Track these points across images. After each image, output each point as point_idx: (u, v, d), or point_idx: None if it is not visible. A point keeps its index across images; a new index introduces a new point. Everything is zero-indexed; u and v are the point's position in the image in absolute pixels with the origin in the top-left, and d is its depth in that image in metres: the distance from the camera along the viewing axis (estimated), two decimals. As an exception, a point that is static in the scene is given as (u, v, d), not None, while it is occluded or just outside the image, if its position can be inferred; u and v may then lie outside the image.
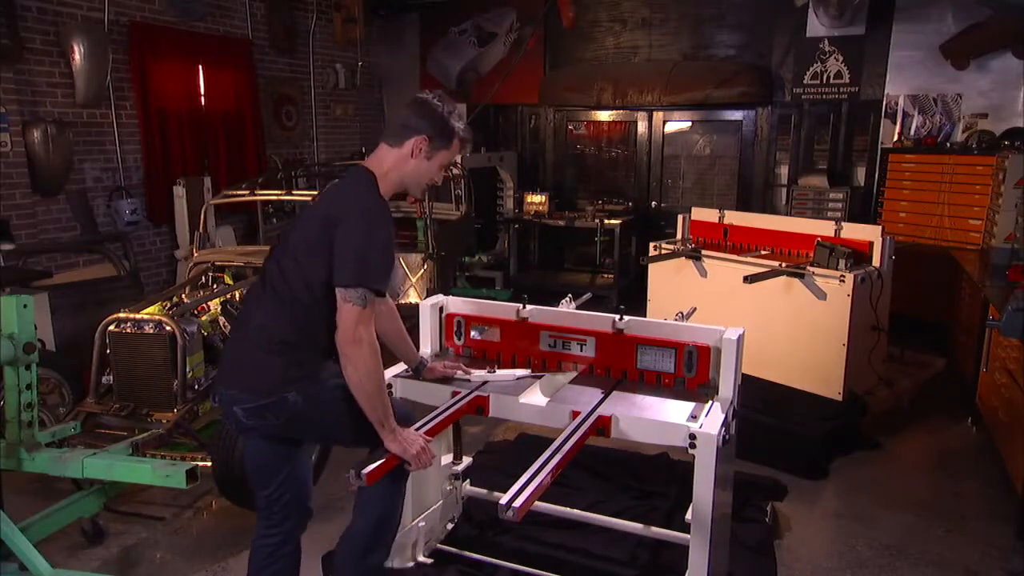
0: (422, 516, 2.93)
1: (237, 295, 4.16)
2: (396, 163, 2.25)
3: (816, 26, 6.81)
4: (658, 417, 2.34)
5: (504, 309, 2.86)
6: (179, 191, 6.18)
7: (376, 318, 2.53)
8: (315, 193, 3.73)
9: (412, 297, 5.35)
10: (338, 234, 2.10)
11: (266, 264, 2.32)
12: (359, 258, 2.09)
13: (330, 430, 2.36)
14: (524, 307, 2.82)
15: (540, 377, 2.66)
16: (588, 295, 3.36)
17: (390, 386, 2.61)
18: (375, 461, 2.13)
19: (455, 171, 6.42)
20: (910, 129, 6.58)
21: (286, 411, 2.17)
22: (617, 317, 2.66)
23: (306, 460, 2.44)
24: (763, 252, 4.81)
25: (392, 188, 2.28)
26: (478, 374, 2.63)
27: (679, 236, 5.31)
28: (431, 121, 2.24)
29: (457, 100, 8.77)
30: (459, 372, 2.68)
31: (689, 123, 7.77)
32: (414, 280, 5.40)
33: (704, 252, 4.90)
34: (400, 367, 2.72)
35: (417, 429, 2.33)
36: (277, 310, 2.19)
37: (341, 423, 2.22)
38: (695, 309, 3.07)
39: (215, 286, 4.42)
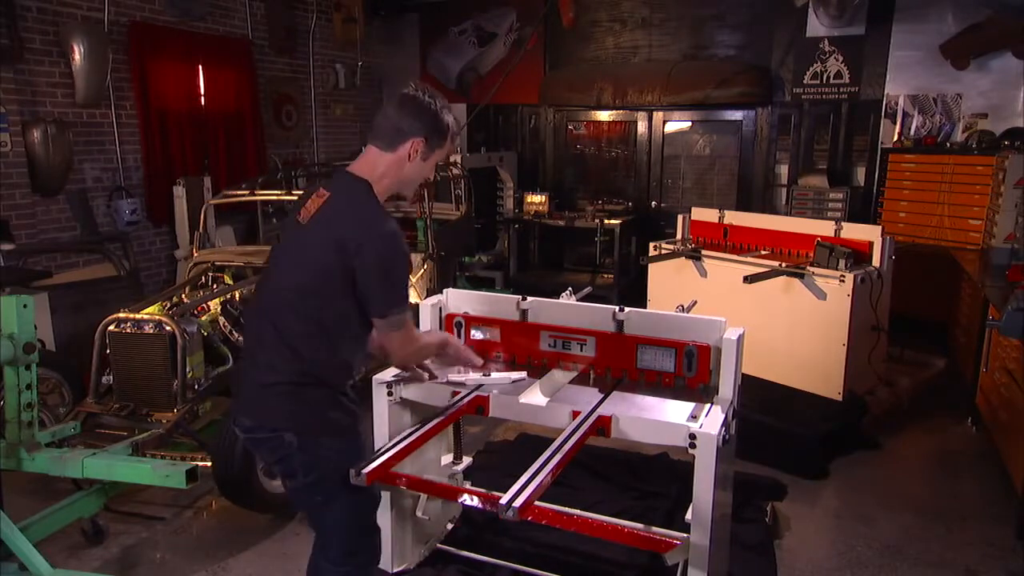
0: (422, 516, 2.93)
1: (237, 295, 4.16)
2: (391, 168, 2.15)
3: (816, 26, 6.81)
4: (658, 417, 2.34)
5: (505, 302, 2.87)
6: (179, 191, 6.18)
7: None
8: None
9: (412, 297, 5.34)
10: (359, 264, 2.02)
11: (264, 289, 2.22)
12: (393, 287, 2.10)
13: (303, 490, 2.19)
14: (524, 299, 2.83)
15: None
16: (589, 288, 3.38)
17: (390, 391, 2.61)
18: (375, 461, 2.13)
19: (455, 171, 6.41)
20: (910, 129, 6.58)
21: (280, 450, 2.11)
22: (617, 308, 2.66)
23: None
24: (763, 252, 4.81)
25: (387, 193, 2.19)
26: (473, 377, 2.62)
27: (679, 236, 5.31)
28: (425, 121, 2.14)
29: (457, 100, 8.76)
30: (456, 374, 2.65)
31: (689, 123, 7.77)
32: (414, 280, 5.40)
33: (704, 252, 4.90)
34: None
35: (416, 429, 2.34)
36: (284, 348, 2.08)
37: (317, 489, 2.15)
38: (696, 302, 3.07)
39: (215, 286, 4.42)
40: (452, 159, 6.77)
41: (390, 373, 2.66)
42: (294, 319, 2.08)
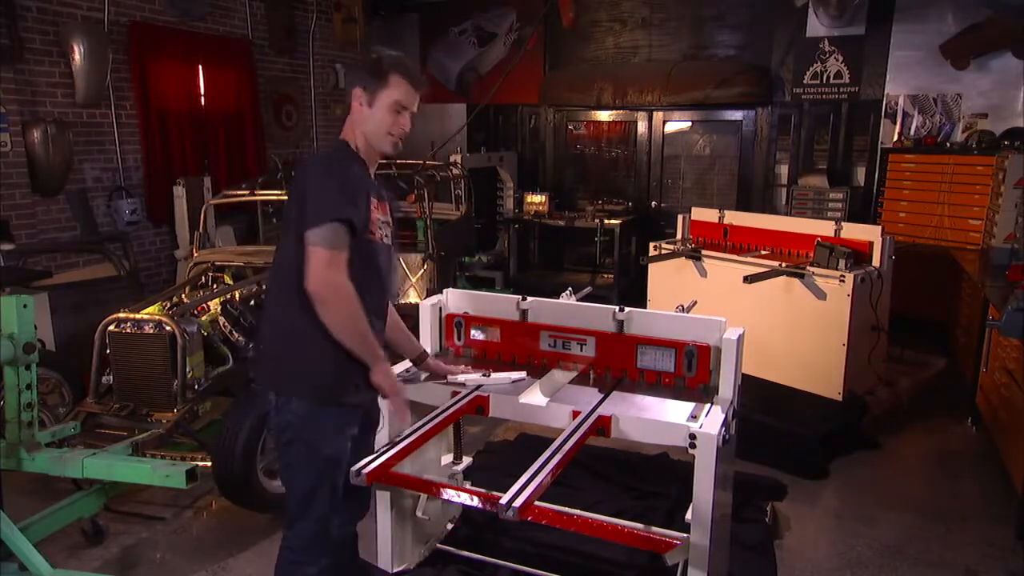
0: (422, 516, 2.93)
1: (237, 295, 4.15)
2: (353, 124, 2.23)
3: (816, 26, 6.81)
4: (658, 417, 2.34)
5: (504, 302, 2.87)
6: (179, 191, 6.18)
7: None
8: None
9: (412, 297, 5.34)
10: (302, 188, 2.09)
11: (274, 259, 2.34)
12: (318, 197, 2.03)
13: (280, 450, 2.27)
14: (524, 299, 2.83)
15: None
16: (589, 288, 3.37)
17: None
18: (375, 461, 2.13)
19: (455, 171, 6.41)
20: (910, 129, 6.58)
21: (264, 405, 2.23)
22: (617, 308, 2.66)
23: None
24: (763, 252, 4.81)
25: (365, 149, 2.24)
26: (473, 377, 2.62)
27: (679, 236, 5.32)
28: (360, 70, 2.25)
29: (457, 100, 8.72)
30: (458, 375, 2.62)
31: (689, 123, 7.77)
32: (414, 280, 5.40)
33: (704, 252, 4.90)
34: (400, 367, 2.71)
35: (416, 429, 2.34)
36: (282, 303, 2.19)
37: (285, 453, 2.22)
38: (695, 302, 3.07)
39: (215, 286, 4.42)
40: (452, 159, 6.77)
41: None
42: (292, 273, 2.10)
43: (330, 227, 2.01)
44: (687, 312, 2.73)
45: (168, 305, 3.94)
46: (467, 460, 3.16)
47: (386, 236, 2.27)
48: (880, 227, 4.48)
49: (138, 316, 3.74)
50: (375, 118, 2.20)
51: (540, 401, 2.47)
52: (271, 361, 2.22)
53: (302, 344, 2.14)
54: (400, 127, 2.22)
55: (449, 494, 2.25)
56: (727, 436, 2.30)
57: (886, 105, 6.67)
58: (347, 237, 2.04)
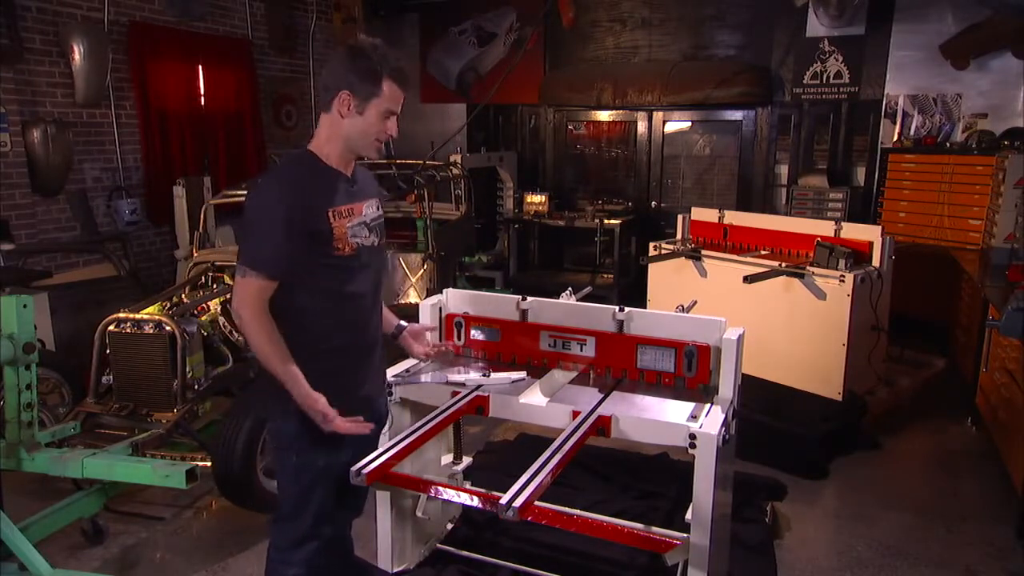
0: (422, 516, 2.93)
1: (237, 295, 4.15)
2: (331, 129, 2.09)
3: (816, 26, 6.81)
4: (658, 417, 2.34)
5: (504, 302, 2.87)
6: (179, 191, 6.17)
7: None
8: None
9: (412, 297, 5.34)
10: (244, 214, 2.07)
11: None
12: (246, 236, 2.05)
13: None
14: (524, 299, 2.83)
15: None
16: (589, 288, 3.37)
17: (390, 391, 2.60)
18: (375, 461, 2.13)
19: (455, 171, 6.40)
20: (910, 129, 6.58)
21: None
22: (617, 308, 2.66)
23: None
24: (763, 252, 4.81)
25: (340, 155, 2.12)
26: (473, 376, 2.62)
27: (679, 236, 5.31)
28: (346, 71, 2.03)
29: (457, 100, 8.69)
30: (441, 348, 2.69)
31: (689, 123, 7.76)
32: (414, 280, 5.40)
33: (704, 252, 4.90)
34: (400, 367, 2.71)
35: (416, 429, 2.34)
36: None
37: (283, 467, 2.26)
38: (695, 302, 3.07)
39: (215, 286, 4.42)
40: (452, 159, 6.77)
41: (390, 373, 2.66)
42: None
43: (245, 269, 2.00)
44: (687, 312, 2.73)
45: (168, 305, 3.94)
46: (467, 460, 3.16)
47: (369, 239, 2.19)
48: (880, 227, 4.48)
49: (138, 316, 3.74)
50: (365, 124, 2.07)
51: (540, 401, 2.47)
52: (260, 379, 2.24)
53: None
54: (388, 133, 2.11)
55: (449, 494, 2.25)
56: (727, 436, 2.30)
57: (886, 105, 6.67)
58: (259, 281, 2.00)
